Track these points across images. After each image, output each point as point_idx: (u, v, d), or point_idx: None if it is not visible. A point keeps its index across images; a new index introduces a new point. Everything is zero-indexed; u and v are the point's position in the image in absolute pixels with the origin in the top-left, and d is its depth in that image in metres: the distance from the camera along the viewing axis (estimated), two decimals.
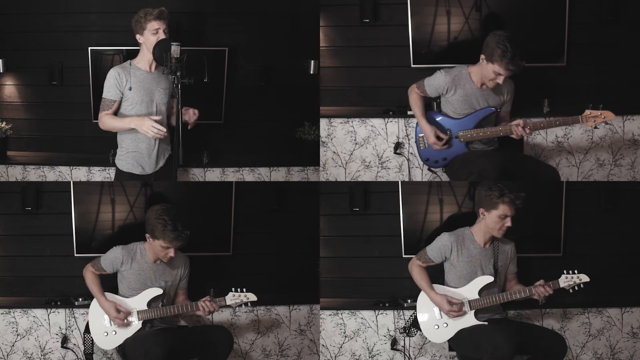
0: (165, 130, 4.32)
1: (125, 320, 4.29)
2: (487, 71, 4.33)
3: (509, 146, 4.69)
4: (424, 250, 4.38)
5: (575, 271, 4.20)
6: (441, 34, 4.85)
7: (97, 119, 4.53)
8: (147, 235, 4.29)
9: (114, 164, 4.84)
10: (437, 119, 4.54)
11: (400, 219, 4.77)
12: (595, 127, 4.40)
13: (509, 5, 4.83)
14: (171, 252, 4.26)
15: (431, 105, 4.66)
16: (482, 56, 4.34)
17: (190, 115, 4.47)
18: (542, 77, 4.90)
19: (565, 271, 4.21)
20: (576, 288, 4.21)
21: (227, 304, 4.29)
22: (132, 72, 4.38)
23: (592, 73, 4.90)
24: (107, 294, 4.36)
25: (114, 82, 4.35)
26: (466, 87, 4.45)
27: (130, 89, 4.37)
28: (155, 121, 4.30)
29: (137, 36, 4.39)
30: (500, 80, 4.31)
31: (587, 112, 4.35)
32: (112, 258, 4.35)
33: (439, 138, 4.50)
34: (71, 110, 5.06)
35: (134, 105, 4.39)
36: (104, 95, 4.40)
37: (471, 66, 4.45)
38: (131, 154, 4.46)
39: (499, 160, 4.36)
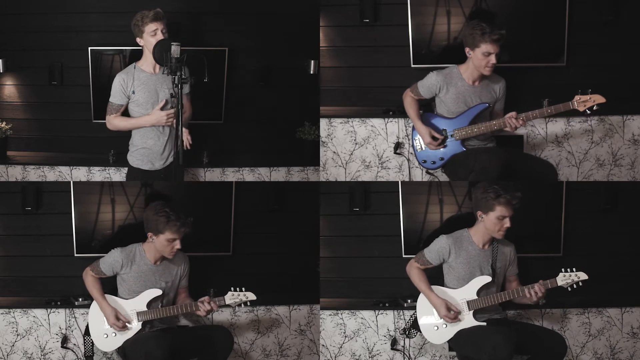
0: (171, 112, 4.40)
1: (124, 327, 4.30)
2: (477, 60, 4.40)
3: (509, 146, 4.70)
4: (421, 253, 4.39)
5: (574, 269, 4.19)
6: (441, 34, 4.85)
7: (97, 119, 4.79)
8: (150, 234, 4.30)
9: (114, 164, 4.87)
10: (432, 120, 4.58)
11: (400, 219, 4.77)
12: (587, 112, 4.39)
13: (509, 5, 4.82)
14: (177, 244, 4.28)
15: (430, 107, 4.67)
16: (467, 49, 4.43)
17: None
18: (542, 77, 4.90)
19: (563, 269, 4.20)
20: (574, 286, 4.21)
21: (227, 303, 4.29)
22: (135, 76, 4.44)
23: (592, 73, 4.90)
24: (108, 296, 4.36)
25: (119, 88, 4.45)
26: (458, 85, 4.49)
27: (133, 92, 4.44)
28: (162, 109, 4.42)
29: (138, 39, 4.45)
30: (493, 59, 4.36)
31: (577, 97, 4.38)
32: (112, 261, 4.35)
33: (434, 138, 4.53)
34: (71, 110, 5.06)
35: (140, 106, 4.47)
36: (110, 100, 4.50)
37: (461, 65, 4.50)
38: (140, 150, 4.53)
39: (500, 156, 4.38)
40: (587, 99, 4.37)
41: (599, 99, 4.37)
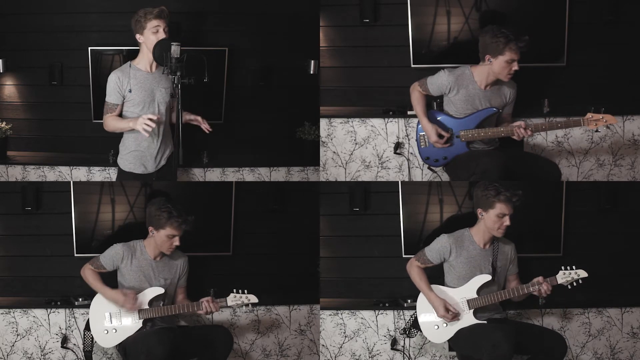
0: (154, 125, 4.26)
1: (137, 303, 4.29)
2: (499, 67, 4.34)
3: (509, 147, 4.70)
4: (422, 252, 4.39)
5: (574, 267, 4.19)
6: (441, 34, 4.85)
7: (97, 119, 4.79)
8: (151, 229, 4.32)
9: (114, 164, 4.85)
10: (438, 118, 4.55)
11: (400, 219, 4.77)
12: (597, 131, 4.41)
13: (509, 5, 4.82)
14: (176, 241, 4.30)
15: (431, 105, 4.66)
16: (487, 56, 4.36)
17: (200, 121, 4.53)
18: (542, 77, 4.90)
19: (562, 267, 4.20)
20: (574, 284, 4.20)
21: (228, 305, 4.29)
22: (131, 74, 4.40)
23: (592, 73, 4.90)
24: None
25: (114, 87, 4.38)
26: (469, 87, 4.45)
27: (130, 91, 4.39)
28: (152, 119, 4.26)
29: (137, 36, 4.39)
30: (515, 66, 4.32)
31: (589, 115, 4.35)
32: (112, 254, 4.36)
33: (440, 136, 4.51)
34: (71, 110, 5.06)
35: (135, 106, 4.41)
36: (106, 99, 4.43)
37: (474, 66, 4.46)
38: (133, 153, 4.48)
39: (502, 159, 4.36)
40: (599, 118, 4.34)
41: (611, 119, 4.34)
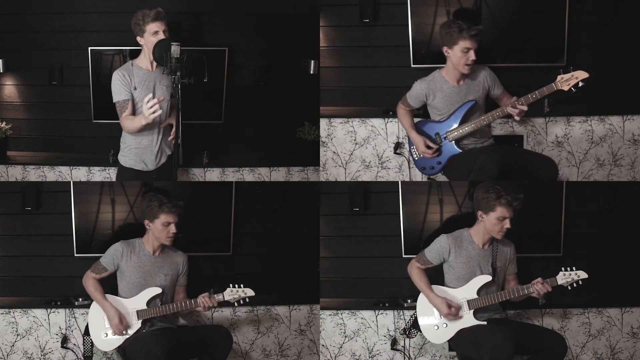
0: (157, 107, 4.15)
1: (124, 332, 4.30)
2: (456, 57, 4.37)
3: (506, 144, 4.72)
4: (422, 253, 4.39)
5: (574, 268, 4.19)
6: None
7: (97, 119, 4.89)
8: (147, 222, 4.33)
9: (114, 164, 4.85)
10: (424, 128, 4.59)
11: (400, 219, 4.77)
12: (571, 90, 4.32)
13: (509, 5, 4.83)
14: (173, 228, 4.31)
15: (428, 116, 4.66)
16: (444, 49, 4.41)
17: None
18: (542, 77, 4.89)
19: (563, 268, 4.20)
20: (574, 285, 4.20)
21: (225, 299, 4.30)
22: (135, 72, 4.40)
23: (592, 73, 4.88)
24: (109, 296, 4.35)
25: (120, 84, 4.36)
26: (443, 88, 4.49)
27: (135, 88, 4.39)
28: (150, 102, 4.16)
29: (138, 38, 4.39)
30: (472, 56, 4.34)
31: (559, 77, 4.31)
32: (113, 253, 4.36)
33: (428, 147, 4.53)
34: (71, 110, 5.07)
35: (137, 104, 4.40)
36: (115, 100, 4.37)
37: (442, 68, 4.50)
38: (133, 150, 4.48)
39: (499, 155, 4.36)
40: (569, 77, 4.30)
41: (582, 74, 4.29)
